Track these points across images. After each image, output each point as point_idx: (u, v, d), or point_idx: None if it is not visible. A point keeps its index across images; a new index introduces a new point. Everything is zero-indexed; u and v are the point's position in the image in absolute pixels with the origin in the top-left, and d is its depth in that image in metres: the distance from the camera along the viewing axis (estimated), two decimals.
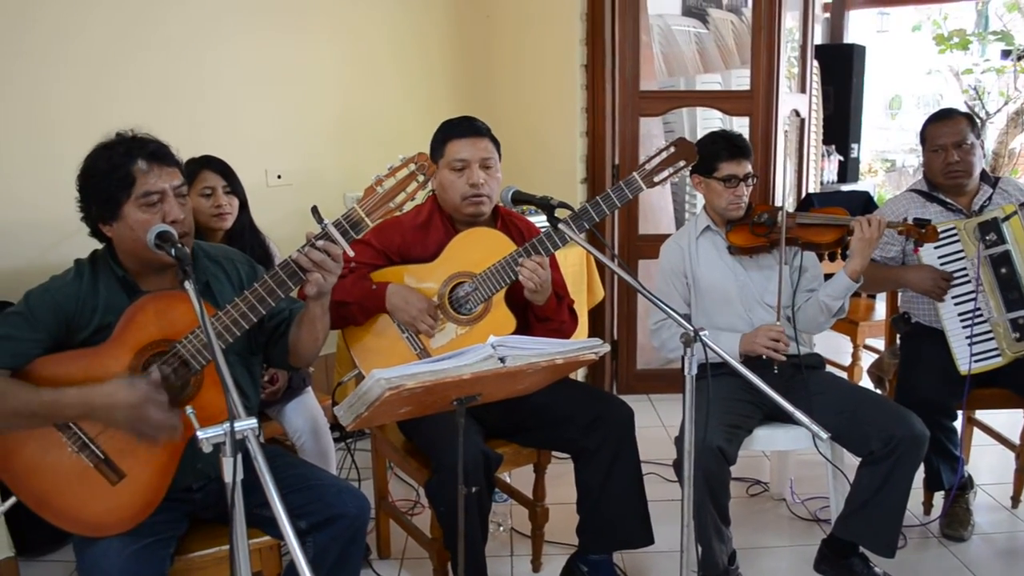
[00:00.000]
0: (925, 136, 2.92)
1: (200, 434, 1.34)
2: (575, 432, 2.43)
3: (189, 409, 1.59)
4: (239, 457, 1.35)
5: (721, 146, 2.64)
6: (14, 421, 1.77)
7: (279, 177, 3.67)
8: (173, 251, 1.76)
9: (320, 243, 1.83)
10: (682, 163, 2.29)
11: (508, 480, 2.99)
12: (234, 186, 2.75)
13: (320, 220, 1.86)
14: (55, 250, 2.88)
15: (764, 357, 2.55)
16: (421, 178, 1.91)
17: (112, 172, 1.81)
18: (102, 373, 1.78)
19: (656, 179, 2.30)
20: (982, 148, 2.88)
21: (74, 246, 1.99)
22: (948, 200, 2.89)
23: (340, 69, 3.87)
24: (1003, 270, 2.70)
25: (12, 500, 1.85)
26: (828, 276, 2.73)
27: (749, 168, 2.66)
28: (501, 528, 3.01)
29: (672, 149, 2.29)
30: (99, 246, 1.95)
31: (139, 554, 1.79)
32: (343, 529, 1.96)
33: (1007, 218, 2.69)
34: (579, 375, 4.34)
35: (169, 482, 1.85)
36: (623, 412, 2.46)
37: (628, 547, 2.54)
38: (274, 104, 3.64)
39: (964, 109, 7.60)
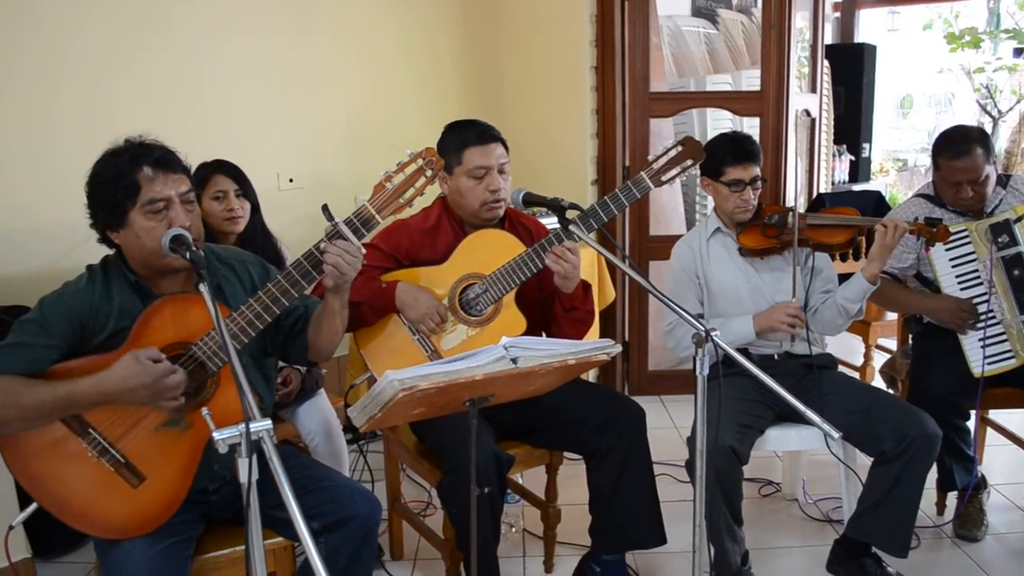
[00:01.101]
0: (939, 165, 2.80)
1: (216, 435, 1.35)
2: (587, 433, 2.44)
3: (205, 411, 1.60)
4: (254, 458, 1.36)
5: (727, 150, 2.63)
6: (32, 418, 1.77)
7: (291, 181, 3.69)
8: (188, 254, 1.76)
9: (337, 242, 1.84)
10: (689, 162, 2.29)
11: (520, 481, 2.99)
12: (246, 190, 2.77)
13: (331, 218, 1.87)
14: (67, 257, 2.90)
15: (785, 349, 2.55)
16: (429, 173, 1.92)
17: (118, 179, 1.81)
18: None
19: (664, 178, 2.30)
20: (995, 163, 2.82)
21: (85, 253, 2.00)
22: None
23: (350, 72, 3.88)
24: (1016, 272, 2.68)
25: (33, 507, 1.86)
26: (840, 275, 2.74)
27: (757, 172, 2.65)
28: (513, 529, 3.02)
29: (679, 148, 2.29)
30: (109, 252, 1.95)
31: (163, 554, 1.81)
32: (355, 530, 1.97)
33: (1019, 219, 2.68)
34: (591, 376, 4.34)
35: (190, 483, 1.87)
36: (635, 413, 2.47)
37: (640, 547, 2.54)
38: (285, 108, 3.65)
39: (976, 109, 7.61)
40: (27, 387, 1.76)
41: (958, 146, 2.73)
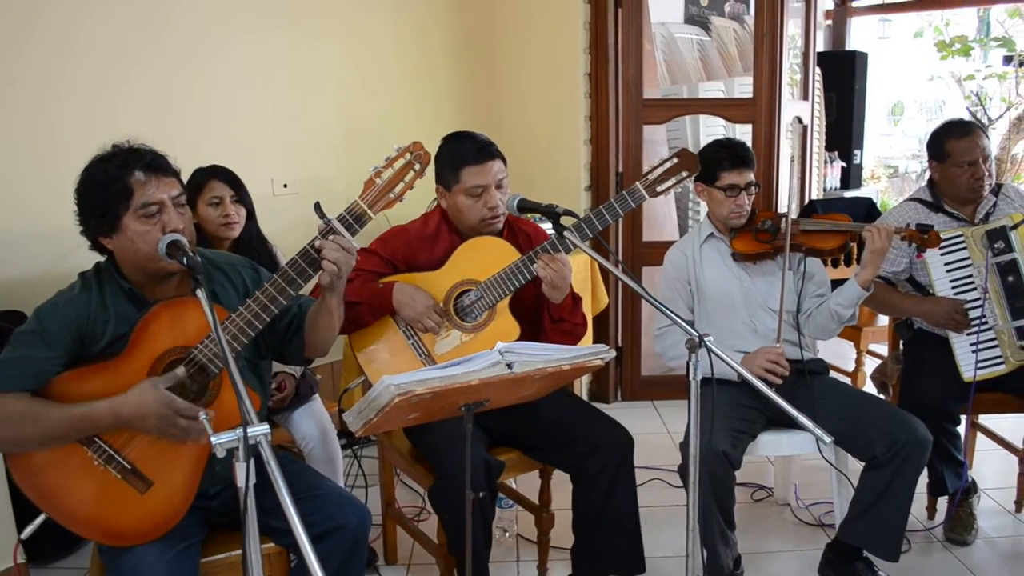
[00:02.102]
0: (948, 151, 2.83)
1: (214, 439, 1.36)
2: (575, 455, 2.42)
3: (203, 415, 1.61)
4: (251, 462, 1.37)
5: (723, 155, 2.65)
6: (49, 440, 1.77)
7: (285, 186, 3.69)
8: (185, 260, 1.76)
9: (332, 238, 1.85)
10: (684, 174, 2.32)
11: (514, 486, 3.00)
12: (242, 195, 2.77)
13: (323, 215, 1.88)
14: (64, 260, 2.89)
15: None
16: (418, 167, 1.94)
17: (110, 184, 1.80)
18: (124, 385, 1.78)
19: (659, 189, 2.33)
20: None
21: (82, 256, 2.00)
22: (952, 210, 2.89)
23: (346, 78, 3.89)
24: (1010, 278, 2.71)
25: (41, 518, 1.86)
26: (832, 281, 2.75)
27: (751, 177, 2.67)
28: (507, 534, 3.02)
29: (675, 160, 2.32)
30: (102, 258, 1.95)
31: (178, 558, 1.81)
32: (344, 540, 1.95)
33: (1015, 226, 2.70)
34: (584, 382, 4.36)
35: (197, 486, 1.87)
36: (623, 439, 2.43)
37: (619, 574, 2.48)
38: (280, 113, 3.66)
39: (967, 115, 7.67)
40: (43, 410, 1.75)
41: (963, 126, 2.85)
